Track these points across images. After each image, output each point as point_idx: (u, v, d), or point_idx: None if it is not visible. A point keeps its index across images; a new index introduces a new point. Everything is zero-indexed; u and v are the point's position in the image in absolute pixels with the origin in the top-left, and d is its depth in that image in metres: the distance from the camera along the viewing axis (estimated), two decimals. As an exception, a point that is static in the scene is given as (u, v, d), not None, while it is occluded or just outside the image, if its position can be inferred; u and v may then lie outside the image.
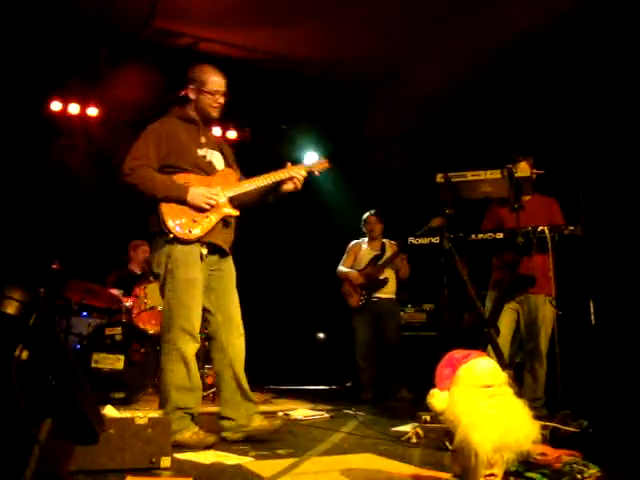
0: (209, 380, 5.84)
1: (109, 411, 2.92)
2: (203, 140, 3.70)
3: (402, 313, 6.76)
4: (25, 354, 1.46)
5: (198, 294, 3.52)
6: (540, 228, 3.81)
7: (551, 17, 5.47)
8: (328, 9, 5.92)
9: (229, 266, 3.81)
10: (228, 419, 3.59)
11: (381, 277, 6.24)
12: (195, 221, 3.49)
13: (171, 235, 3.42)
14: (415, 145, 6.91)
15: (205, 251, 3.55)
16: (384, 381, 6.17)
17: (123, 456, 2.68)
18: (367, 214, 6.47)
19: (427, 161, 5.82)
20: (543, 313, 4.50)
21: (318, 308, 7.65)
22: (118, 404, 4.05)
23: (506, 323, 4.50)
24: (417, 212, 5.66)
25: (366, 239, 6.48)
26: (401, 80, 6.57)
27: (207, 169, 3.66)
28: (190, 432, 3.38)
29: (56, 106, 7.18)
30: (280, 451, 3.30)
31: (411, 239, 3.96)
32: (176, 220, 3.44)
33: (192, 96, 3.67)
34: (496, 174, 3.88)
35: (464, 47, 6.05)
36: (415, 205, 5.82)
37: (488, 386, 2.21)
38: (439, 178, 3.94)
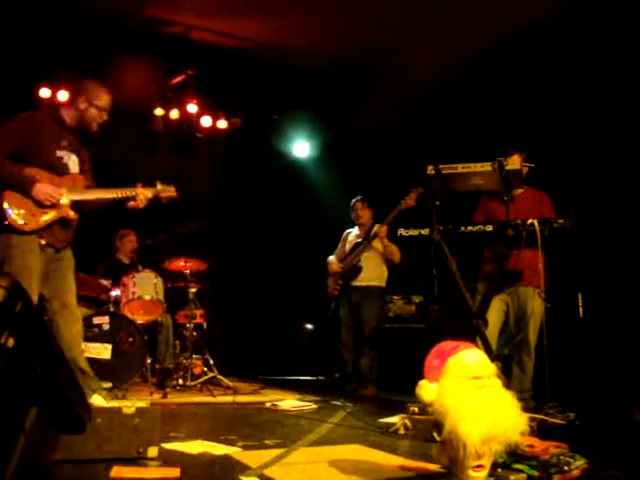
0: (197, 370, 5.83)
1: (96, 400, 2.91)
2: (64, 143, 3.85)
3: (391, 305, 6.73)
4: (11, 341, 1.44)
5: (34, 282, 3.59)
6: (530, 221, 3.82)
7: (545, 11, 5.46)
8: (320, -1, 5.90)
9: (67, 257, 3.91)
10: None
11: (358, 264, 6.09)
12: (33, 215, 3.63)
13: (6, 222, 3.55)
14: (407, 136, 6.90)
15: (44, 242, 3.68)
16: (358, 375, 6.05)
17: (110, 446, 2.68)
18: (354, 200, 6.37)
19: (419, 152, 5.80)
20: (532, 305, 4.50)
21: (306, 299, 7.64)
22: (104, 395, 4.03)
23: (495, 314, 4.50)
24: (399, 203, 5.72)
25: (357, 226, 6.40)
26: (393, 71, 6.55)
27: (60, 170, 3.80)
28: None
29: (45, 93, 7.11)
30: (268, 441, 3.30)
31: (401, 230, 3.96)
32: (15, 210, 3.59)
33: (81, 106, 3.85)
34: (487, 167, 3.87)
35: (457, 39, 6.04)
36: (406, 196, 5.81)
37: (477, 377, 2.21)
38: (430, 170, 3.93)
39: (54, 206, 3.68)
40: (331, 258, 6.38)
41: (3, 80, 6.44)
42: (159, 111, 7.61)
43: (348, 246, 6.32)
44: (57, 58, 6.77)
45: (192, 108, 7.64)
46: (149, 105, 7.53)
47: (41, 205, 3.64)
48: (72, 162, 3.89)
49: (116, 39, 6.68)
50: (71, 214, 3.78)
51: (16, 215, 3.57)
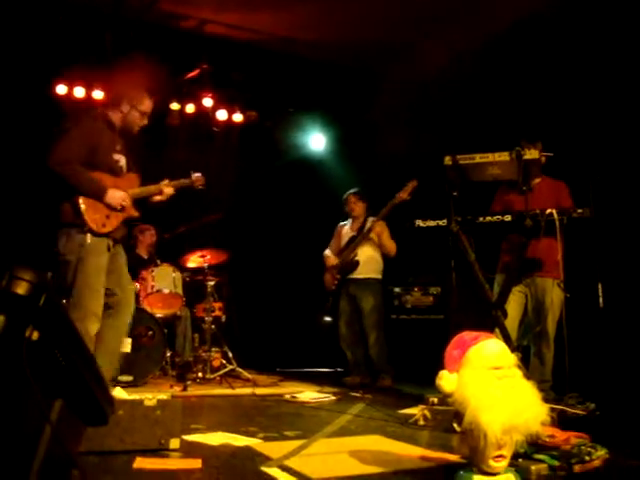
0: (216, 363, 5.86)
1: (118, 393, 2.94)
2: (118, 147, 4.08)
3: (409, 297, 6.72)
4: (35, 335, 1.46)
5: (104, 280, 3.86)
6: (548, 211, 3.79)
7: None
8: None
9: (120, 251, 4.13)
10: None
11: (354, 259, 6.09)
12: (108, 217, 3.89)
13: (86, 228, 3.77)
14: (422, 127, 6.86)
15: (112, 243, 3.95)
16: (370, 367, 6.04)
17: (132, 438, 2.70)
18: (347, 193, 6.36)
19: (435, 143, 5.77)
20: (551, 296, 4.48)
21: (324, 291, 7.64)
22: (126, 387, 4.07)
23: (514, 305, 4.49)
24: (424, 195, 5.67)
25: (351, 220, 6.39)
26: (408, 62, 6.51)
27: (118, 172, 4.05)
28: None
29: (61, 89, 7.15)
30: (288, 433, 3.32)
31: (418, 221, 3.94)
32: (93, 215, 3.81)
33: (124, 109, 4.07)
34: (505, 156, 3.84)
35: (473, 28, 5.98)
36: (422, 188, 5.78)
37: (497, 368, 2.21)
38: (447, 160, 3.91)
39: (123, 208, 3.95)
40: (327, 252, 6.39)
41: (18, 77, 6.50)
42: (175, 105, 7.65)
43: (343, 240, 6.32)
44: (72, 54, 6.80)
45: (208, 102, 7.66)
46: (165, 100, 7.56)
47: (112, 209, 3.89)
48: (124, 163, 4.12)
49: (130, 34, 6.70)
50: (136, 213, 4.10)
51: (94, 220, 3.80)
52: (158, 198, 4.26)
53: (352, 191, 6.35)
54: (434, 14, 6.02)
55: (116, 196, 3.89)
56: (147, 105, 4.13)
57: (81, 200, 3.77)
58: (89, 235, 3.77)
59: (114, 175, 3.99)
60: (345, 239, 6.30)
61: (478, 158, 3.88)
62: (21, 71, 6.56)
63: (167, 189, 4.27)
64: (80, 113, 4.12)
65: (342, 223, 6.50)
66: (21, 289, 1.44)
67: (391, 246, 6.10)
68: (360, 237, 6.13)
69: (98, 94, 7.34)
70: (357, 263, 6.07)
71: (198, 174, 4.47)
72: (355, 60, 7.17)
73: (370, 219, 6.18)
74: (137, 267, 6.05)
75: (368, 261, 6.10)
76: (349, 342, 6.16)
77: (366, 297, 6.06)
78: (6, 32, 6.17)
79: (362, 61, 7.14)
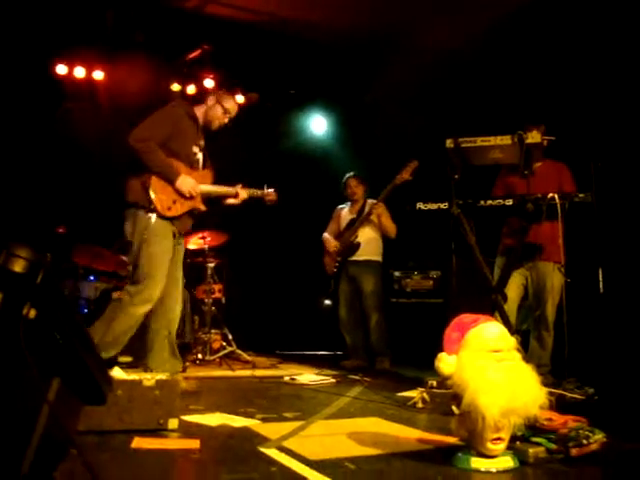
0: (215, 344, 5.88)
1: (116, 373, 2.94)
2: (200, 142, 4.21)
3: (409, 280, 6.71)
4: (33, 312, 1.45)
5: (167, 264, 3.92)
6: (550, 195, 3.78)
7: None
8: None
9: (181, 242, 4.21)
10: (151, 371, 3.80)
11: (355, 241, 6.06)
12: (174, 202, 3.93)
13: (152, 206, 3.82)
14: (424, 110, 6.82)
15: (175, 230, 4.01)
16: (369, 350, 6.04)
17: (131, 417, 2.71)
18: (347, 176, 6.33)
19: (436, 127, 5.74)
20: (552, 281, 4.48)
21: (324, 274, 7.65)
22: (125, 368, 4.07)
23: (514, 289, 4.48)
24: (426, 178, 5.64)
25: (350, 203, 6.36)
26: (409, 44, 6.46)
27: (194, 164, 4.14)
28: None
29: (62, 69, 7.11)
30: (287, 414, 3.32)
31: (419, 204, 3.93)
32: (160, 195, 3.86)
33: (209, 102, 4.19)
34: (506, 140, 3.83)
35: (474, 9, 5.93)
36: (424, 171, 5.75)
37: (496, 351, 2.21)
38: (449, 143, 3.89)
39: (191, 197, 4.00)
40: (326, 235, 6.36)
41: (18, 56, 6.45)
42: (176, 86, 7.61)
43: (343, 223, 6.30)
44: (73, 34, 6.76)
45: (209, 83, 7.62)
46: (166, 80, 7.53)
47: (181, 195, 3.94)
48: (201, 158, 4.23)
49: (132, 13, 6.66)
50: (202, 207, 4.13)
51: (160, 200, 3.85)
52: (232, 201, 4.33)
53: (352, 174, 6.33)
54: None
55: (188, 182, 3.94)
56: (232, 104, 4.23)
57: (153, 179, 3.83)
58: (154, 216, 3.81)
59: (189, 167, 4.06)
60: (344, 222, 6.29)
61: (480, 141, 3.87)
62: (21, 50, 6.51)
63: (242, 193, 4.32)
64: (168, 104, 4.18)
65: (340, 206, 6.48)
66: (18, 266, 1.43)
67: (392, 227, 6.09)
68: (361, 219, 6.11)
69: (99, 74, 7.30)
70: (358, 245, 6.05)
71: (271, 190, 4.51)
72: (357, 42, 7.11)
73: (369, 201, 6.16)
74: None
75: (369, 243, 6.09)
76: (349, 325, 6.16)
77: (366, 279, 6.05)
78: (6, 11, 6.12)
79: (363, 42, 7.08)
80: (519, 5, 5.70)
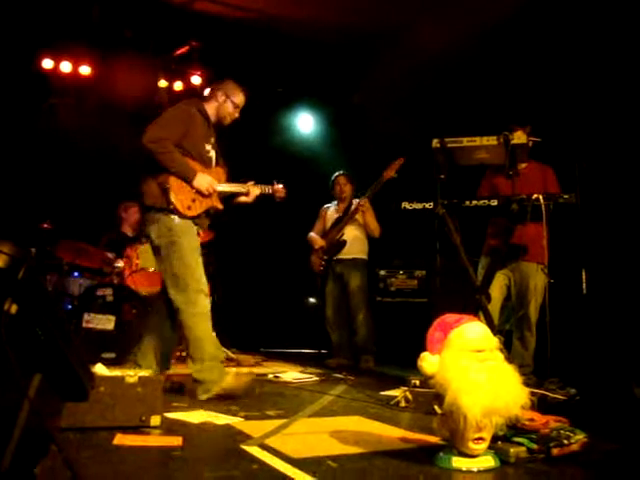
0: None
1: (99, 369, 2.93)
2: (212, 140, 4.11)
3: (393, 279, 6.72)
4: (14, 308, 1.44)
5: (200, 258, 3.86)
6: (535, 196, 3.79)
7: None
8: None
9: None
10: (199, 382, 3.70)
11: (341, 239, 6.08)
12: (194, 201, 3.86)
13: (172, 206, 3.74)
14: (411, 110, 6.84)
15: (197, 228, 3.95)
16: (354, 349, 6.06)
17: (113, 414, 2.70)
18: (336, 174, 6.34)
19: (423, 126, 5.76)
20: (535, 281, 4.51)
21: (309, 272, 7.64)
22: (108, 364, 4.05)
23: (497, 289, 4.51)
24: (411, 177, 5.66)
25: (336, 202, 6.37)
26: (398, 45, 6.48)
27: (207, 163, 4.05)
28: (230, 376, 3.70)
29: (48, 64, 7.06)
30: (270, 412, 3.33)
31: (405, 204, 3.94)
32: (179, 196, 3.78)
33: (219, 99, 4.10)
34: (492, 140, 3.84)
35: (462, 13, 5.96)
36: (410, 170, 5.77)
37: (479, 350, 2.22)
38: (435, 143, 3.90)
39: (209, 196, 3.94)
40: (312, 234, 6.36)
41: (3, 50, 6.40)
42: (163, 83, 7.57)
43: (329, 222, 6.30)
44: (59, 28, 6.71)
45: (196, 80, 7.59)
46: (153, 76, 7.49)
47: (199, 193, 3.88)
48: (214, 156, 4.15)
49: (119, 8, 6.62)
50: (219, 205, 4.07)
51: (180, 200, 3.78)
52: (244, 199, 4.25)
53: (341, 172, 6.34)
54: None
55: (205, 180, 3.89)
56: (241, 98, 4.16)
57: (171, 179, 3.76)
58: (176, 217, 3.77)
59: (203, 165, 3.98)
60: (330, 221, 6.29)
61: (466, 142, 3.88)
62: (6, 44, 6.46)
63: (254, 191, 4.25)
64: (180, 102, 4.09)
65: (326, 206, 6.49)
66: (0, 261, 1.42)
67: (375, 225, 6.11)
68: (347, 217, 6.12)
69: (85, 69, 7.25)
70: (344, 243, 6.07)
71: (280, 185, 4.45)
72: (345, 41, 7.11)
73: (355, 201, 6.17)
74: (122, 245, 6.01)
75: (354, 241, 6.11)
76: (334, 324, 6.17)
77: (353, 276, 6.07)
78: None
79: (352, 42, 7.08)
80: (505, 10, 5.72)
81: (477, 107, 6.18)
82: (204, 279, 3.82)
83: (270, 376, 4.87)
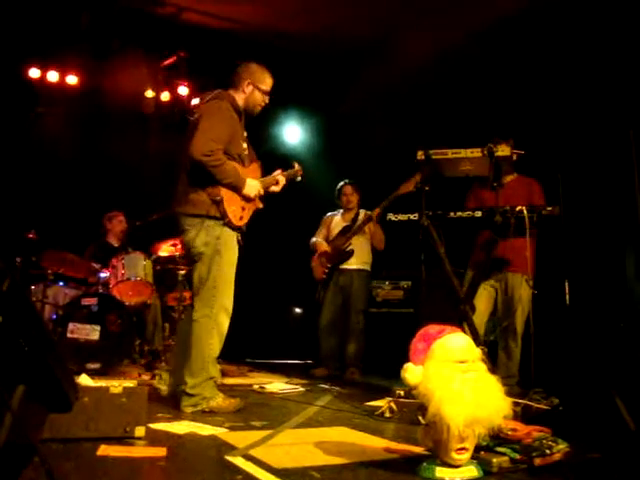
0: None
1: (83, 380, 2.92)
2: (245, 134, 3.91)
3: (379, 290, 6.73)
4: (-2, 319, 1.45)
5: (233, 276, 3.77)
6: (518, 208, 3.83)
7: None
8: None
9: None
10: (189, 395, 3.60)
11: (348, 248, 6.04)
12: (244, 209, 3.80)
13: (226, 219, 3.64)
14: (397, 121, 6.88)
15: (240, 237, 3.85)
16: (342, 359, 6.04)
17: (97, 425, 2.68)
18: (342, 183, 6.30)
19: (408, 138, 5.80)
20: (520, 292, 4.54)
21: (295, 282, 7.65)
22: (93, 375, 4.04)
23: (484, 300, 4.54)
24: (396, 188, 5.68)
25: (342, 211, 6.34)
26: (384, 55, 6.52)
27: (245, 161, 3.87)
28: (221, 398, 3.62)
29: (34, 73, 7.06)
30: (255, 423, 3.32)
31: (390, 215, 3.97)
32: (231, 207, 3.67)
33: (246, 90, 3.87)
34: (477, 152, 3.88)
35: (447, 26, 6.02)
36: (396, 180, 5.79)
37: (462, 361, 2.23)
38: (420, 155, 3.93)
39: (254, 199, 3.85)
40: (319, 239, 6.29)
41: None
42: (150, 93, 7.58)
43: (334, 230, 6.25)
44: (46, 37, 6.70)
45: (183, 90, 7.61)
46: (140, 87, 7.49)
47: (246, 200, 3.79)
48: (249, 152, 3.97)
49: (107, 18, 6.63)
50: (261, 204, 3.98)
51: (233, 211, 3.68)
52: (273, 189, 4.11)
53: (347, 181, 6.30)
54: (412, 9, 6.04)
55: (254, 186, 3.78)
56: (268, 83, 3.95)
57: (222, 191, 3.62)
58: (226, 228, 3.66)
59: (242, 164, 3.82)
60: (336, 229, 6.23)
61: (450, 154, 3.92)
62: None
63: (281, 179, 4.13)
64: (214, 99, 3.77)
65: (330, 213, 6.45)
66: (-17, 273, 1.42)
67: (382, 237, 6.07)
68: (356, 227, 6.05)
69: (72, 79, 7.25)
70: (351, 253, 6.03)
71: (299, 165, 4.33)
72: (332, 52, 7.15)
73: (362, 211, 6.15)
74: (108, 255, 6.00)
75: (361, 252, 6.08)
76: (328, 332, 6.12)
77: (356, 289, 6.05)
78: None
79: (339, 54, 7.13)
80: (489, 22, 5.79)
81: (461, 119, 6.24)
82: (232, 299, 3.74)
83: (255, 387, 4.86)
